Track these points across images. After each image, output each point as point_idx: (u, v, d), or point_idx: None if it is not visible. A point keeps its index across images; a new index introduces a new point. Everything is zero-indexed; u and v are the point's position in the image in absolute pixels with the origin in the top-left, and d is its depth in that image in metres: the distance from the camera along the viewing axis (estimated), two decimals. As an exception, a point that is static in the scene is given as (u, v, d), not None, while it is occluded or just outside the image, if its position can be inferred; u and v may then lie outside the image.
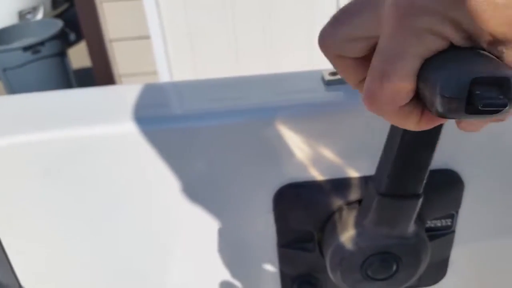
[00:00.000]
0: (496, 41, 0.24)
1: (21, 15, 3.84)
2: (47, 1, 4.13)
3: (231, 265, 0.62)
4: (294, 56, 2.45)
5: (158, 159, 0.51)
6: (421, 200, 0.45)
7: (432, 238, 0.56)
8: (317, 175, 0.53)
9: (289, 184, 0.54)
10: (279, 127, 0.50)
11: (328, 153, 0.52)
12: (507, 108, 0.23)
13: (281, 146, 0.51)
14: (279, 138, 0.51)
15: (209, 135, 0.51)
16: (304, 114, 0.50)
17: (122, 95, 0.58)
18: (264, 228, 0.58)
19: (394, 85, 0.27)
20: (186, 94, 0.57)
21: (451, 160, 0.46)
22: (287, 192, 0.54)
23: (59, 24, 3.04)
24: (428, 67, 0.26)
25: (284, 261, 0.60)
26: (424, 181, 0.44)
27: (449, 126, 0.49)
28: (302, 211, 0.55)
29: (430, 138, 0.41)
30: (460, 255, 0.62)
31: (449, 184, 0.55)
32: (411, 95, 0.27)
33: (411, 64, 0.26)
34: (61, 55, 3.03)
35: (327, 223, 0.54)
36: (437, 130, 0.40)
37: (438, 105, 0.25)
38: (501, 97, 0.23)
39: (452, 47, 0.26)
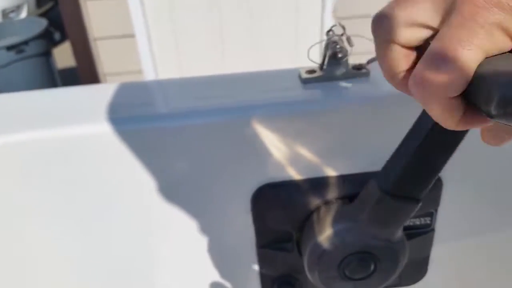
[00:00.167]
0: None
1: (4, 13, 3.79)
2: (31, 0, 4.08)
3: (211, 266, 0.61)
4: (280, 54, 2.45)
5: (134, 159, 0.51)
6: (419, 206, 0.45)
7: (411, 236, 0.56)
8: (295, 175, 0.53)
9: (267, 184, 0.53)
10: (255, 126, 0.49)
11: (305, 152, 0.51)
12: None
13: (258, 146, 0.50)
14: (256, 137, 0.50)
15: (185, 135, 0.50)
16: (281, 113, 0.49)
17: (102, 95, 0.57)
18: (243, 229, 0.57)
19: (451, 73, 0.26)
20: (161, 94, 0.56)
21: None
22: (265, 192, 0.53)
23: (43, 23, 3.00)
24: (488, 64, 0.25)
25: (263, 262, 0.59)
26: (428, 188, 0.44)
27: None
28: (280, 211, 0.54)
29: (450, 145, 0.41)
30: (441, 253, 0.62)
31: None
32: (463, 88, 0.27)
33: (474, 55, 0.26)
34: (46, 54, 2.99)
35: (305, 222, 0.54)
36: (459, 139, 0.40)
37: (495, 105, 0.24)
38: None
39: None
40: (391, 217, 0.46)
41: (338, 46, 0.49)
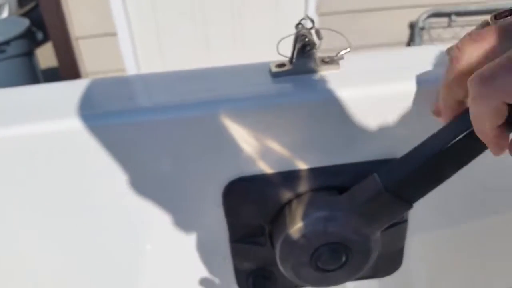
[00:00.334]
0: None
1: (-14, 14, 3.74)
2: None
3: (185, 262, 0.61)
4: (264, 52, 2.45)
5: (104, 155, 0.50)
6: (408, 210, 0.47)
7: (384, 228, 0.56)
8: (266, 168, 0.53)
9: (238, 178, 0.53)
10: (225, 120, 0.49)
11: (276, 146, 0.51)
12: None
13: (228, 140, 0.50)
14: (226, 132, 0.50)
15: (153, 131, 0.50)
16: (250, 106, 0.49)
17: (66, 91, 0.56)
18: (216, 224, 0.57)
19: None
20: (127, 89, 0.56)
21: (400, 150, 0.46)
22: (236, 186, 0.53)
23: (25, 23, 2.96)
24: None
25: (237, 256, 0.59)
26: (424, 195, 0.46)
27: (400, 116, 0.50)
28: (251, 205, 0.54)
29: (464, 162, 0.43)
30: (415, 245, 0.63)
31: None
32: None
33: None
34: (28, 54, 2.95)
35: (278, 216, 0.54)
36: (474, 157, 0.42)
37: None
38: None
39: None
40: (381, 214, 0.47)
41: (306, 39, 0.49)
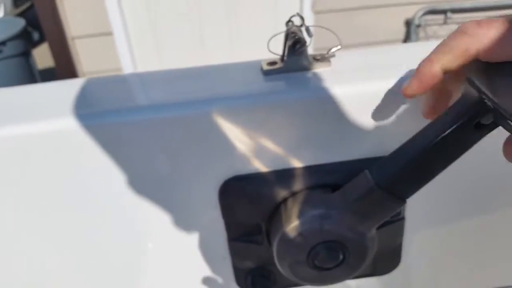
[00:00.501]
0: None
1: (-19, 14, 3.73)
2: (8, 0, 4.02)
3: (184, 262, 0.61)
4: (260, 50, 2.45)
5: (99, 154, 0.50)
6: (402, 207, 0.47)
7: (381, 225, 0.57)
8: (261, 167, 0.53)
9: (233, 177, 0.53)
10: (218, 119, 0.49)
11: (269, 144, 0.52)
12: None
13: (221, 139, 0.51)
14: (219, 131, 0.50)
15: (148, 129, 0.50)
16: (242, 105, 0.50)
17: (61, 91, 0.56)
18: (214, 223, 0.57)
19: None
20: (120, 89, 0.56)
21: (394, 147, 0.46)
22: (232, 185, 0.53)
23: (21, 23, 2.95)
24: None
25: (235, 255, 0.60)
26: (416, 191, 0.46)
27: (393, 113, 0.50)
28: (247, 203, 0.54)
29: (455, 155, 0.42)
30: (413, 242, 0.63)
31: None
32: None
33: None
34: (25, 55, 2.95)
35: (274, 214, 0.54)
36: (465, 150, 0.42)
37: None
38: None
39: None
40: (374, 211, 0.47)
41: (296, 37, 0.49)
